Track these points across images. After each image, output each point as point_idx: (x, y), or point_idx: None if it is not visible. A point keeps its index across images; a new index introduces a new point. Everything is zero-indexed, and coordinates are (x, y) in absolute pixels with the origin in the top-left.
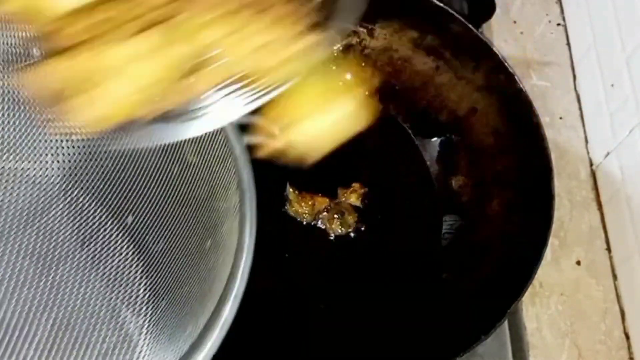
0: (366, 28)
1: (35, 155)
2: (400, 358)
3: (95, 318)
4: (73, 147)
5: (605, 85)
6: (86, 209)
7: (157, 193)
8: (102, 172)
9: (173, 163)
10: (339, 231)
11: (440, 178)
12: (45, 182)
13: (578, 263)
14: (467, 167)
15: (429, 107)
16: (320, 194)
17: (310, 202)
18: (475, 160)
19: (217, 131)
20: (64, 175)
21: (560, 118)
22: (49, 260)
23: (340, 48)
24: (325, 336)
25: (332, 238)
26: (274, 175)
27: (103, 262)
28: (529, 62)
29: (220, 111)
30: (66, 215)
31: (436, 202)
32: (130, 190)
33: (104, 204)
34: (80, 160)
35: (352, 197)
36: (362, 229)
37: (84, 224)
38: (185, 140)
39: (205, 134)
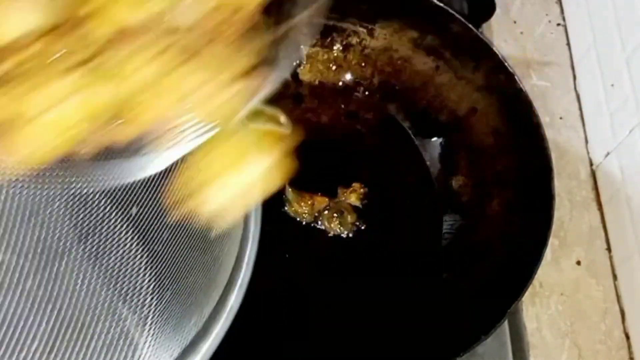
0: (366, 28)
1: None
2: (400, 358)
3: (99, 309)
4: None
5: (605, 85)
6: (90, 199)
7: (161, 183)
8: None
9: None
10: (339, 231)
11: (440, 178)
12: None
13: (578, 263)
14: (467, 167)
15: (429, 107)
16: (319, 194)
17: (309, 202)
18: (475, 160)
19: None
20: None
21: (560, 118)
22: (53, 251)
23: (341, 49)
24: (325, 336)
25: (331, 238)
26: None
27: (107, 253)
28: (529, 62)
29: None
30: (70, 206)
31: (436, 202)
32: (134, 181)
33: (108, 194)
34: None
35: (352, 196)
36: (362, 228)
37: (88, 215)
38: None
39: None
